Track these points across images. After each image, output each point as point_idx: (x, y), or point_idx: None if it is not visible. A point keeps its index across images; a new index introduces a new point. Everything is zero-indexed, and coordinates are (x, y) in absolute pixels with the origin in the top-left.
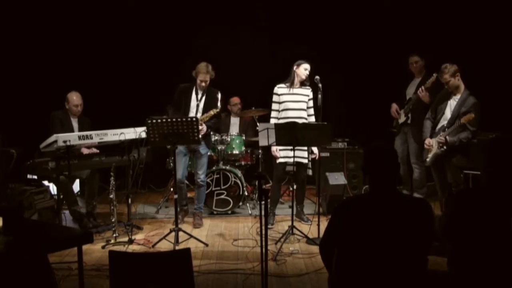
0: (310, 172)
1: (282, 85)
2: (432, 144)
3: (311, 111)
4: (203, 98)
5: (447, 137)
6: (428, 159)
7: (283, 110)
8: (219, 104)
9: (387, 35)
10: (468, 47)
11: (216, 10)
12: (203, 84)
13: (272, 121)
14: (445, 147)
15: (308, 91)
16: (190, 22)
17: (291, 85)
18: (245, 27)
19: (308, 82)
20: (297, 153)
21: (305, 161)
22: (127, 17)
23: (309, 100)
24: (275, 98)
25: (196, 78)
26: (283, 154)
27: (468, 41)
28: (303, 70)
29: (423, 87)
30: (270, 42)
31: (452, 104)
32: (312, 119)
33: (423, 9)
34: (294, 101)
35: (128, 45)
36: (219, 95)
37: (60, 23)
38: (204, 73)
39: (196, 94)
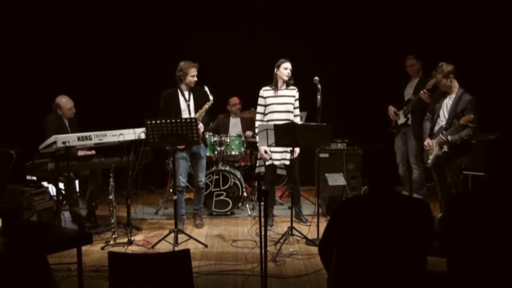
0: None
1: (268, 87)
2: (432, 145)
3: (297, 111)
4: (191, 97)
5: (449, 136)
6: (429, 161)
7: (269, 112)
8: (211, 96)
9: (386, 35)
10: (467, 47)
11: (215, 10)
12: (195, 78)
13: (257, 123)
14: (446, 148)
15: (294, 92)
16: (189, 22)
17: (276, 87)
18: (244, 27)
19: (292, 81)
20: (282, 155)
21: (287, 162)
22: (125, 18)
23: (295, 100)
24: (260, 101)
25: (185, 77)
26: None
27: (467, 41)
28: (283, 70)
29: (425, 90)
30: (269, 42)
31: (448, 103)
32: (297, 120)
33: (421, 10)
34: (280, 103)
35: (127, 45)
36: (206, 88)
37: (58, 24)
38: (194, 67)
39: (183, 95)
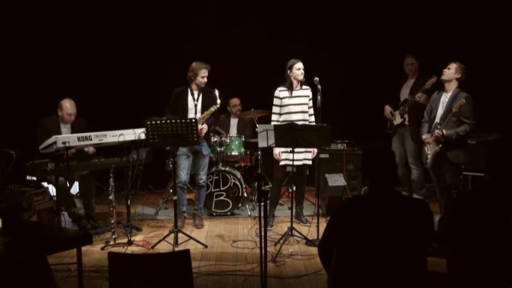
0: (306, 172)
1: (283, 88)
2: (430, 139)
3: (311, 111)
4: (200, 98)
5: (444, 130)
6: (428, 161)
7: (285, 113)
8: (218, 100)
9: (386, 35)
10: (467, 48)
11: (215, 10)
12: (205, 80)
13: (273, 124)
14: (442, 142)
15: (308, 91)
16: (189, 23)
17: (291, 88)
18: (244, 27)
19: (304, 79)
20: (302, 155)
21: (310, 162)
22: (125, 18)
23: (309, 100)
24: (276, 101)
25: (195, 78)
26: (285, 156)
27: (467, 41)
28: (296, 71)
29: (420, 93)
30: (270, 42)
31: (444, 101)
32: (312, 119)
33: (421, 10)
34: (296, 104)
35: (127, 46)
36: (217, 92)
37: (59, 25)
38: (204, 68)
39: (192, 95)
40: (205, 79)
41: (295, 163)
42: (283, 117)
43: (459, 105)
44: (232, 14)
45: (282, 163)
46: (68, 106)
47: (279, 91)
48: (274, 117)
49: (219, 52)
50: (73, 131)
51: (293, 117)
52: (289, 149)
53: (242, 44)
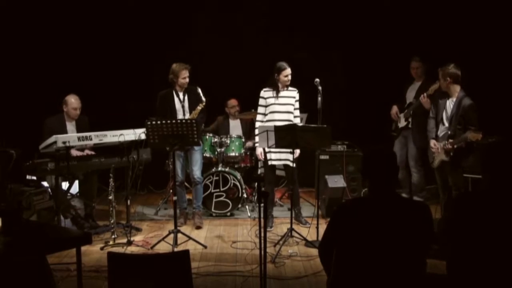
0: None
1: (268, 88)
2: (438, 148)
3: (297, 112)
4: (186, 98)
5: (455, 145)
6: (435, 163)
7: (269, 113)
8: (203, 98)
9: (387, 36)
10: (469, 49)
11: (214, 11)
12: (187, 80)
13: (258, 124)
14: (451, 153)
15: (294, 93)
16: (188, 24)
17: (276, 89)
18: (243, 27)
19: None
20: (283, 155)
21: (290, 163)
22: (125, 18)
23: (295, 101)
24: (261, 102)
25: (177, 79)
26: (269, 156)
27: (469, 43)
28: (283, 77)
29: (425, 94)
30: (269, 43)
31: (449, 106)
32: (297, 120)
33: (424, 11)
34: (280, 104)
35: (128, 46)
36: (199, 89)
37: (59, 24)
38: (184, 69)
39: (178, 96)
40: (187, 79)
41: (278, 162)
42: (267, 117)
43: (476, 137)
44: (232, 14)
45: (270, 162)
46: (73, 101)
47: (264, 91)
48: (259, 117)
49: (218, 53)
50: (78, 128)
51: (277, 116)
52: (273, 149)
53: (241, 45)
